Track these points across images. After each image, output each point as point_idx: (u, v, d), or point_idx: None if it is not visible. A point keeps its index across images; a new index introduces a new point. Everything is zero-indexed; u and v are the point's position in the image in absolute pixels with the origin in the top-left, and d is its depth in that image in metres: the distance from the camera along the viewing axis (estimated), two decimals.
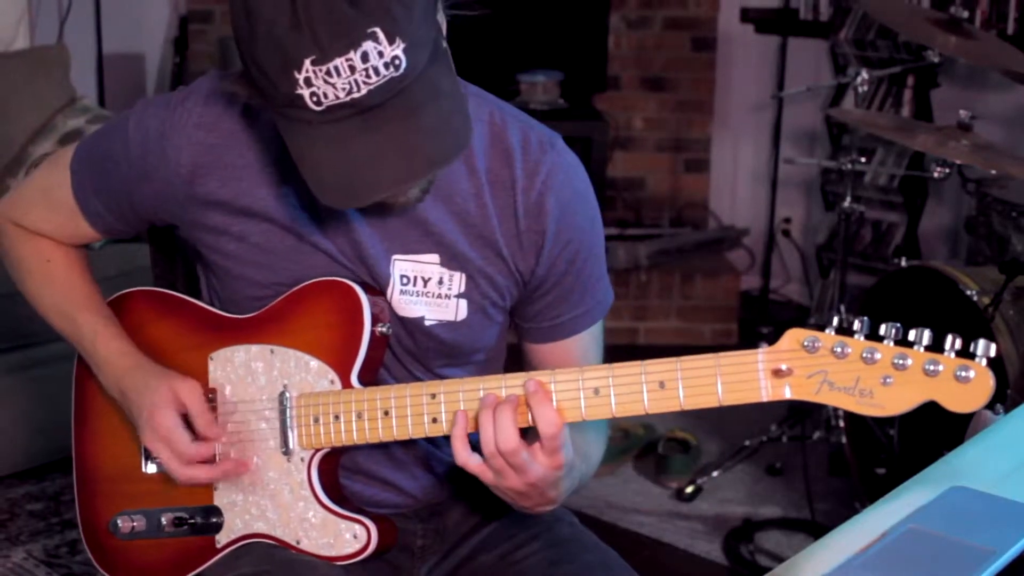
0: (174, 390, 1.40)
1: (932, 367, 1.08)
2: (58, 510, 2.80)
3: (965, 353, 1.08)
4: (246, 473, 1.41)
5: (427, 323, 1.39)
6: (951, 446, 1.26)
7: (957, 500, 1.03)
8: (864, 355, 1.11)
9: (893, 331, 1.10)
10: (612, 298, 1.48)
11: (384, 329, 1.37)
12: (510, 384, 1.27)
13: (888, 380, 1.10)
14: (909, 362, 1.09)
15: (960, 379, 1.07)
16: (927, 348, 1.09)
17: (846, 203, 2.99)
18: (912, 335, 1.10)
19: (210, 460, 1.41)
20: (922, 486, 1.13)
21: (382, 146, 1.16)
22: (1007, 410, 1.38)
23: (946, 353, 1.08)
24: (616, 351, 1.28)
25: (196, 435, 1.40)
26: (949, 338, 1.08)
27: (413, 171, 1.19)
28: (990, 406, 1.42)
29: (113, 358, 1.46)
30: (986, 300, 2.38)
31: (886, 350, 1.10)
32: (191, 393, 1.40)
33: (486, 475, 1.27)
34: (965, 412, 1.08)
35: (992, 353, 1.07)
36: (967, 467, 1.19)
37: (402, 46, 1.14)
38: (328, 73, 1.13)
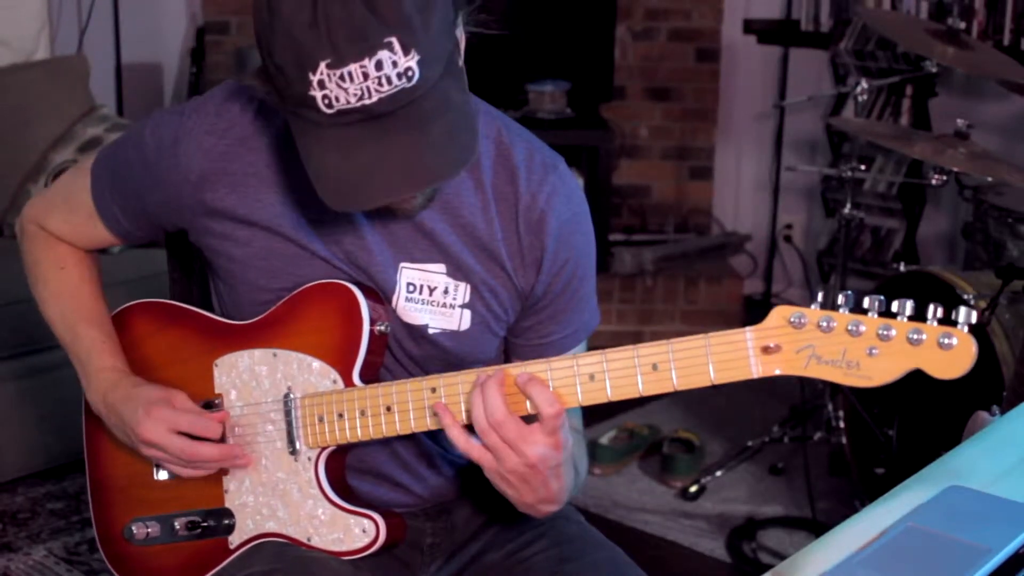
0: (162, 404, 1.41)
1: (916, 336, 1.07)
2: (78, 508, 2.82)
3: (947, 321, 1.08)
4: (250, 461, 1.42)
5: (430, 331, 1.40)
6: (949, 446, 1.25)
7: (954, 499, 1.03)
8: (849, 328, 1.11)
9: (876, 303, 1.10)
10: (598, 321, 1.49)
11: (383, 328, 1.38)
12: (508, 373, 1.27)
13: (874, 351, 1.10)
14: (893, 332, 1.09)
15: (943, 346, 1.06)
16: (910, 318, 1.09)
17: (846, 209, 3.00)
18: (895, 306, 1.09)
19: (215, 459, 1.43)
20: (920, 485, 1.12)
21: (387, 155, 1.16)
22: (1003, 411, 1.40)
23: (928, 322, 1.08)
24: None
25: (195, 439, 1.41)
26: (931, 307, 1.08)
27: (414, 182, 1.19)
28: (987, 407, 1.46)
29: (103, 373, 1.47)
30: (983, 304, 2.39)
31: (870, 322, 1.10)
32: (179, 406, 1.41)
33: (487, 459, 1.27)
34: (950, 379, 1.07)
35: (973, 320, 1.06)
36: (964, 467, 1.18)
37: (416, 58, 1.14)
38: (342, 78, 1.13)
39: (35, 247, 1.57)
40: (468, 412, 1.27)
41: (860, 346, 1.11)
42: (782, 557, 2.63)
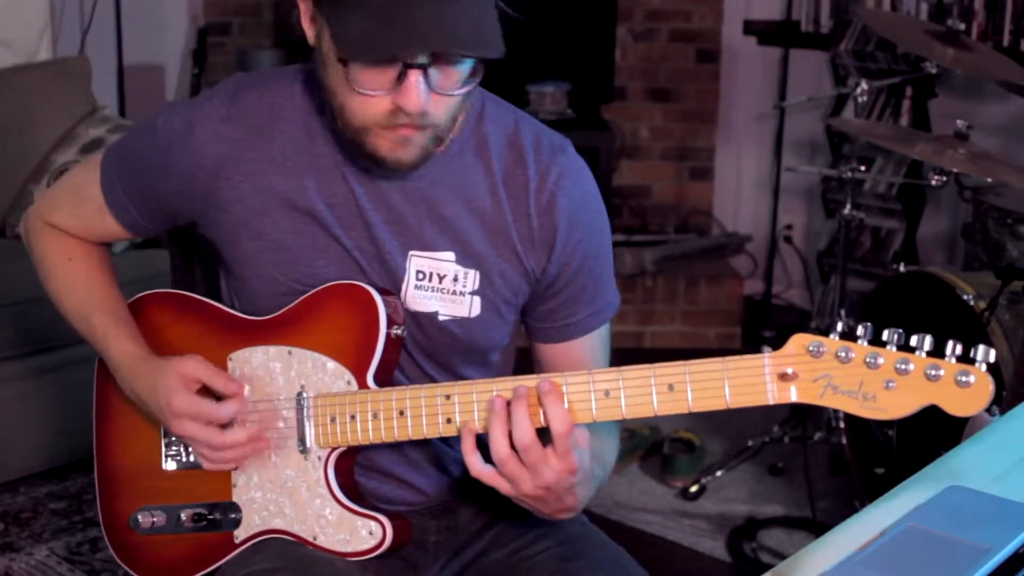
0: (178, 372, 1.40)
1: (933, 372, 1.09)
2: (80, 508, 2.82)
3: (965, 359, 1.08)
4: (266, 448, 1.42)
5: (441, 318, 1.41)
6: (948, 447, 1.26)
7: (954, 499, 1.03)
8: (867, 360, 1.12)
9: (895, 337, 1.11)
10: (619, 300, 1.50)
11: (399, 331, 1.39)
12: (524, 385, 1.27)
13: (891, 384, 1.11)
14: (911, 367, 1.10)
15: (961, 384, 1.08)
16: (928, 353, 1.10)
17: (846, 210, 3.00)
18: (914, 341, 1.10)
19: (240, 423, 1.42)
20: (920, 485, 1.13)
21: (438, 12, 1.19)
22: (1003, 411, 1.40)
23: (947, 358, 1.09)
24: (622, 354, 1.24)
25: (220, 399, 1.41)
26: (950, 344, 1.09)
27: (457, 43, 1.21)
28: (987, 407, 1.47)
29: (124, 360, 1.47)
30: (982, 304, 2.41)
31: (889, 355, 1.11)
32: (195, 366, 1.41)
33: (500, 483, 1.27)
34: (965, 416, 1.09)
35: (992, 359, 1.07)
36: (964, 467, 1.19)
37: None
38: None
39: (43, 242, 1.57)
40: (489, 436, 1.26)
41: (877, 378, 1.12)
42: (782, 557, 2.64)
